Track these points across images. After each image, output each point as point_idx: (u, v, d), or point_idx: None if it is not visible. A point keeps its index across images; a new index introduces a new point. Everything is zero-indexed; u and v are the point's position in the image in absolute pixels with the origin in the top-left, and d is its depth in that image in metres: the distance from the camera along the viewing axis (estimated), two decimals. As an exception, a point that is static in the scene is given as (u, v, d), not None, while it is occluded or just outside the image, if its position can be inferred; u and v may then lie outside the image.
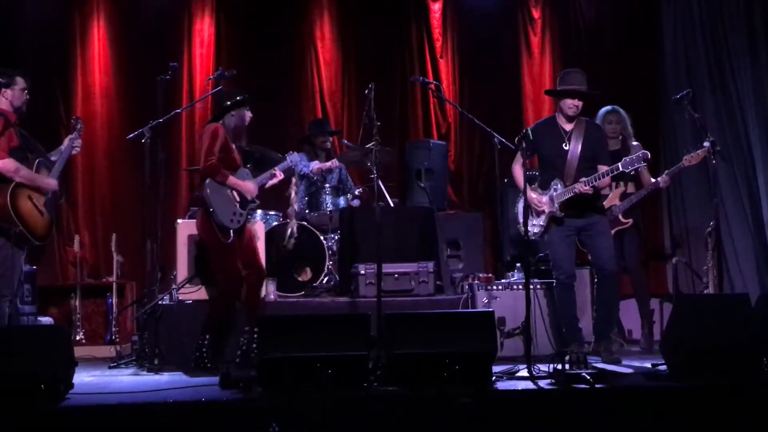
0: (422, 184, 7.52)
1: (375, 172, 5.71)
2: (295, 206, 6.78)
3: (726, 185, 7.58)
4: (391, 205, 7.25)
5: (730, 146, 7.51)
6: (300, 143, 7.69)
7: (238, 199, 5.51)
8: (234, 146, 5.64)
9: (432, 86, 7.21)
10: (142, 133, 5.88)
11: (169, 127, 7.29)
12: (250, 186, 5.59)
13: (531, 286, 5.30)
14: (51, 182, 5.31)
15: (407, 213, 7.24)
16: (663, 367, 4.93)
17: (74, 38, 8.14)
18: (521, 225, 5.60)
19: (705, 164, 6.07)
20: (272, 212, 7.00)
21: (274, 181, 5.91)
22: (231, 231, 5.42)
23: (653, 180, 6.43)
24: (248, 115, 5.67)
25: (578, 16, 8.75)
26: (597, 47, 8.59)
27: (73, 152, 5.56)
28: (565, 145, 5.59)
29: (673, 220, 8.11)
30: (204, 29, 8.34)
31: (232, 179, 5.49)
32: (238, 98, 5.59)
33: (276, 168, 5.92)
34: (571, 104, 5.58)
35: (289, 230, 6.65)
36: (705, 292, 6.43)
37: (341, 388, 4.33)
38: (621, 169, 5.38)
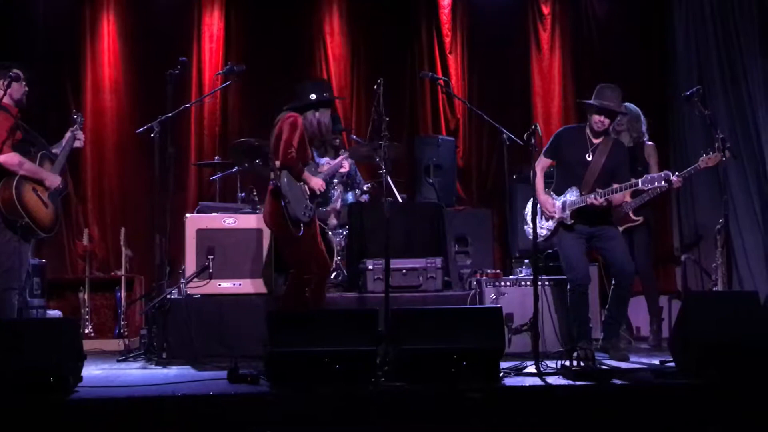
0: (431, 180, 7.52)
1: (384, 167, 5.71)
2: (338, 204, 6.77)
3: (736, 183, 7.56)
4: (400, 200, 7.25)
5: (741, 143, 7.48)
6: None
7: (308, 193, 5.52)
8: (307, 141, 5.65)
9: (441, 82, 7.20)
10: (152, 128, 5.88)
11: (178, 121, 7.30)
12: (319, 182, 5.56)
13: (539, 283, 5.29)
14: (55, 179, 5.31)
15: (416, 209, 7.23)
16: (671, 364, 4.93)
17: (84, 32, 8.17)
18: (529, 225, 5.65)
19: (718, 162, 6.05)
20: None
21: (344, 170, 5.99)
22: (302, 224, 5.42)
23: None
24: (327, 118, 5.55)
25: (588, 12, 8.72)
26: (607, 44, 8.56)
27: (76, 145, 5.55)
28: (589, 156, 5.59)
29: (682, 217, 8.08)
30: (213, 23, 8.35)
31: (306, 174, 5.50)
32: (325, 95, 5.51)
33: (344, 159, 5.97)
34: (598, 120, 5.57)
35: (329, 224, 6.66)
36: (714, 289, 6.42)
37: (349, 384, 4.33)
38: (640, 186, 5.38)
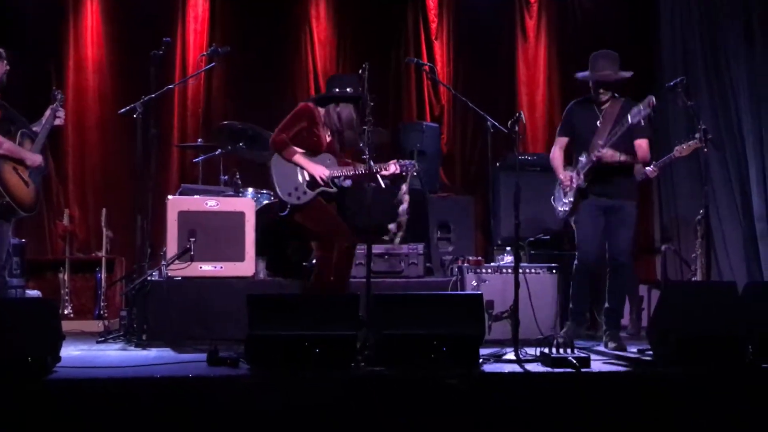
0: (416, 167, 7.50)
1: (367, 152, 5.69)
2: (405, 205, 6.64)
3: (717, 174, 7.62)
4: (383, 186, 7.23)
5: (723, 135, 7.54)
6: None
7: (307, 178, 5.56)
8: (327, 131, 5.64)
9: (426, 68, 7.17)
10: (134, 108, 5.84)
11: (162, 102, 7.26)
12: (320, 169, 5.56)
13: (520, 270, 5.31)
14: (35, 158, 5.26)
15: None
16: (649, 353, 4.96)
17: (67, 11, 8.08)
18: (556, 209, 5.77)
19: (697, 152, 6.07)
20: (263, 191, 6.98)
21: (386, 172, 5.76)
22: (288, 206, 5.52)
23: (642, 170, 6.42)
24: (347, 112, 5.58)
25: (575, 1, 8.72)
26: (593, 33, 8.56)
27: (56, 123, 5.50)
28: (598, 122, 5.55)
29: (663, 207, 8.13)
30: (198, 4, 8.29)
31: (298, 157, 5.55)
32: (348, 90, 5.54)
33: (391, 163, 5.73)
34: (597, 94, 5.56)
35: (397, 240, 6.59)
36: (693, 279, 6.46)
37: (329, 368, 4.34)
38: (630, 121, 5.26)
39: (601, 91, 5.54)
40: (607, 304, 5.60)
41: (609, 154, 5.42)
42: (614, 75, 5.52)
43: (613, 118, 5.49)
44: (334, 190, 5.64)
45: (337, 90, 5.59)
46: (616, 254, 5.51)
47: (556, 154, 5.74)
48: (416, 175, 6.06)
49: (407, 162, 5.81)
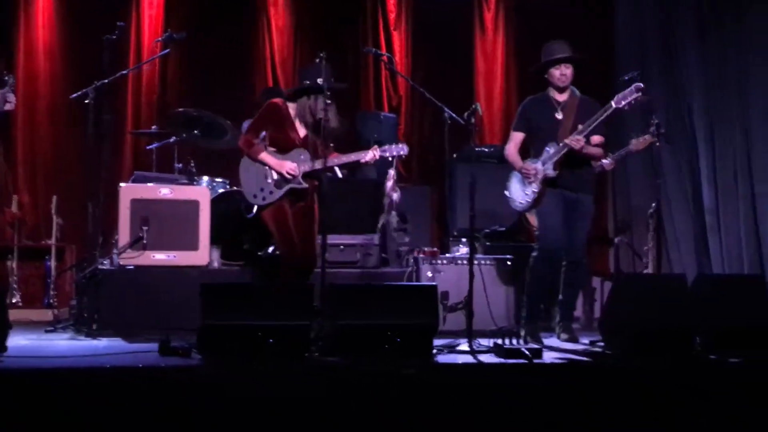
0: (372, 157, 7.49)
1: (323, 142, 5.66)
2: (394, 196, 6.53)
3: (669, 168, 7.72)
4: (339, 176, 7.22)
5: (675, 129, 7.63)
6: (250, 110, 7.59)
7: (274, 177, 5.46)
8: (300, 126, 5.52)
9: (384, 58, 7.18)
10: (86, 94, 5.74)
11: (116, 88, 7.14)
12: (287, 165, 5.42)
13: (475, 262, 5.33)
14: None
15: (355, 185, 7.22)
16: (601, 344, 5.03)
17: (18, -7, 7.92)
18: (514, 201, 5.62)
19: (650, 146, 6.15)
20: (218, 179, 6.92)
21: (366, 158, 5.59)
22: (254, 207, 5.45)
23: (598, 162, 6.48)
24: (320, 106, 5.38)
25: (533, -7, 8.77)
26: (551, 27, 8.57)
27: (6, 107, 5.40)
28: (558, 115, 5.49)
29: (617, 200, 8.21)
30: (154, -11, 8.18)
31: (264, 155, 5.44)
32: (318, 82, 5.33)
33: (378, 148, 5.59)
34: (559, 74, 5.46)
35: (381, 221, 6.51)
36: (645, 272, 6.55)
37: (282, 358, 4.33)
38: (614, 106, 5.24)
39: (563, 69, 5.46)
40: (561, 296, 5.60)
41: (597, 138, 5.41)
42: (571, 54, 5.49)
43: (574, 112, 5.47)
44: (304, 185, 5.51)
45: (308, 82, 5.44)
46: (575, 249, 5.47)
47: (512, 150, 5.64)
48: (391, 159, 5.92)
49: (391, 146, 5.66)
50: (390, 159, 5.83)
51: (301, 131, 5.56)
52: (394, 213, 6.53)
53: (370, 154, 5.55)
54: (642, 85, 5.23)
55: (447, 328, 5.64)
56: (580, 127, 5.37)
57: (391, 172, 6.49)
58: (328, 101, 5.30)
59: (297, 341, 4.43)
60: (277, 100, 5.59)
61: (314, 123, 5.46)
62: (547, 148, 5.47)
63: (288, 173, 5.43)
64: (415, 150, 8.56)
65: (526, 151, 5.76)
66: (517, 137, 5.68)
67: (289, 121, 5.52)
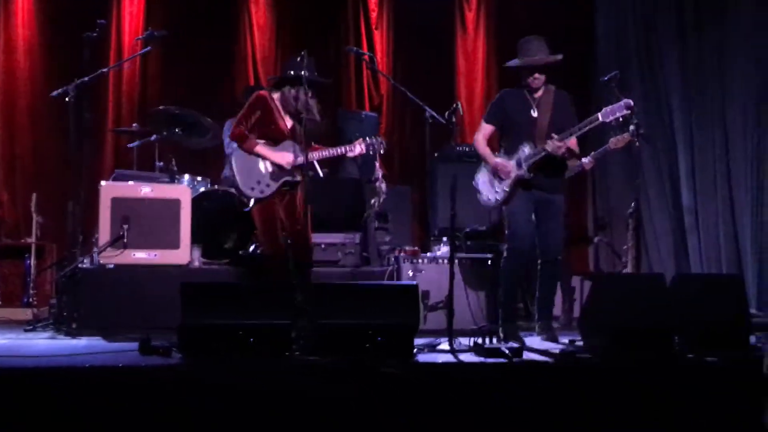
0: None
1: (303, 140, 5.66)
2: (382, 187, 6.42)
3: (649, 168, 7.76)
4: (321, 175, 7.20)
5: (655, 130, 7.67)
6: (232, 109, 7.57)
7: (270, 169, 5.44)
8: (287, 117, 5.51)
9: (366, 57, 7.16)
10: (67, 91, 5.70)
11: (96, 86, 7.08)
12: (280, 157, 5.41)
13: (456, 261, 5.35)
14: None
15: (336, 183, 7.22)
16: (580, 344, 5.05)
17: (-3, -11, 7.86)
18: (481, 195, 5.56)
19: (630, 146, 6.18)
20: (199, 178, 6.90)
21: (350, 155, 5.67)
22: (251, 200, 5.41)
23: (578, 161, 6.51)
24: (301, 95, 5.39)
25: (514, -7, 8.79)
26: (533, 25, 8.60)
27: None
28: (534, 112, 5.44)
29: (597, 200, 8.27)
30: (134, -14, 8.14)
31: (259, 148, 5.43)
32: (304, 73, 5.30)
33: (357, 143, 5.60)
34: (533, 79, 5.43)
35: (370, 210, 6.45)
36: (624, 271, 6.59)
37: (263, 358, 4.32)
38: (600, 119, 5.23)
39: (536, 76, 5.43)
40: (537, 295, 5.61)
41: (573, 143, 5.40)
42: (546, 58, 5.45)
43: (550, 108, 5.46)
44: (297, 179, 5.51)
45: (292, 72, 5.42)
46: (550, 249, 5.46)
47: (482, 142, 5.57)
48: (372, 154, 5.90)
49: (374, 140, 5.68)
50: (371, 153, 5.83)
51: (288, 122, 5.55)
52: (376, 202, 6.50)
53: (359, 147, 5.57)
54: (632, 102, 5.24)
55: (428, 327, 5.66)
56: (554, 132, 5.34)
57: (377, 164, 6.47)
58: (310, 93, 5.32)
59: (278, 341, 4.41)
60: (264, 92, 5.59)
61: (297, 114, 5.47)
62: (523, 148, 5.42)
63: (287, 164, 5.41)
64: (397, 149, 8.57)
65: (492, 143, 5.72)
66: (487, 129, 5.61)
67: (276, 113, 5.51)
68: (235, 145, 5.57)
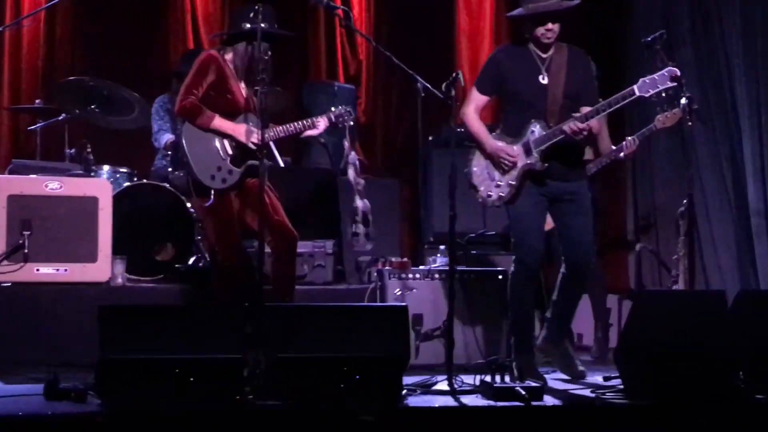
0: (322, 140, 7.48)
1: (261, 120, 5.66)
2: (354, 175, 6.46)
3: (704, 154, 7.79)
4: (281, 164, 7.21)
5: (712, 105, 7.71)
6: (165, 81, 7.57)
7: (230, 152, 5.45)
8: (242, 84, 5.55)
9: (339, 12, 7.16)
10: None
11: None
12: (244, 132, 5.42)
13: (457, 276, 5.35)
14: None
15: (302, 176, 7.25)
16: (617, 381, 5.07)
17: None
18: (478, 190, 5.49)
19: (680, 128, 6.21)
20: (123, 169, 6.88)
21: (314, 132, 5.70)
22: (212, 192, 5.40)
23: (615, 146, 6.55)
24: (258, 56, 5.33)
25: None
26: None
27: None
28: (543, 78, 5.36)
29: (638, 197, 8.31)
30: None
31: (217, 121, 5.44)
32: (263, 26, 5.25)
33: (321, 117, 5.69)
34: (544, 31, 5.32)
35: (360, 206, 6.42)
36: (674, 287, 6.62)
37: (207, 402, 4.30)
38: (637, 93, 5.18)
39: (549, 26, 5.30)
40: (553, 307, 5.51)
41: (596, 125, 5.37)
42: (561, 3, 5.32)
43: (563, 71, 5.37)
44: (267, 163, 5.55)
45: (249, 26, 5.41)
46: (581, 253, 5.38)
47: (474, 117, 5.48)
48: (341, 128, 5.86)
49: (340, 110, 5.71)
50: (340, 126, 5.83)
51: (245, 91, 5.58)
52: (361, 204, 6.48)
53: (323, 122, 5.63)
54: (678, 71, 5.18)
55: (421, 362, 5.68)
56: (572, 103, 5.33)
57: (346, 143, 6.41)
58: (269, 53, 5.35)
59: (226, 380, 4.40)
60: (213, 52, 5.59)
61: (255, 80, 5.41)
62: (532, 128, 5.34)
63: (253, 143, 5.40)
64: (380, 132, 8.60)
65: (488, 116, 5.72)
66: (480, 100, 5.52)
67: (229, 78, 5.52)
68: (184, 124, 5.56)
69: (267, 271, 6.08)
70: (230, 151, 5.48)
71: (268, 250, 5.36)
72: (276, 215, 5.52)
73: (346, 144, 6.38)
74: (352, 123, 5.78)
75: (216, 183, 5.44)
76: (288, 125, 5.63)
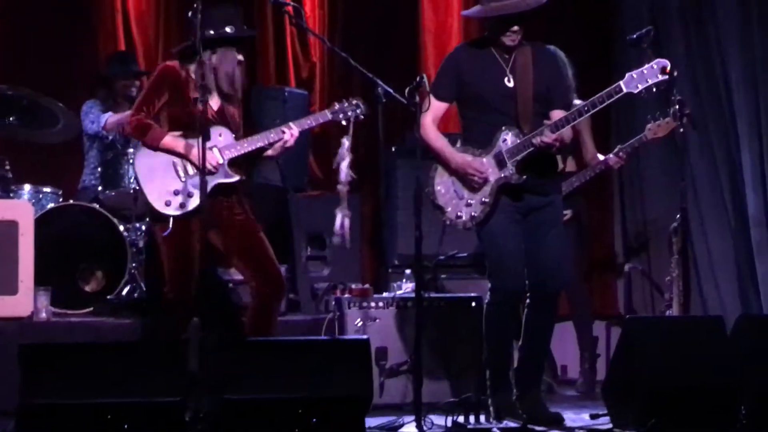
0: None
1: (201, 132, 5.65)
2: (344, 182, 6.33)
3: (699, 164, 7.85)
4: (231, 180, 7.20)
5: (706, 109, 7.77)
6: (92, 87, 7.55)
7: (190, 172, 5.42)
8: (213, 96, 5.55)
9: (289, 9, 7.16)
10: None
11: None
12: (196, 151, 5.30)
13: (425, 303, 5.36)
14: None
15: (250, 194, 7.20)
16: (605, 419, 5.09)
17: None
18: (445, 212, 5.45)
19: (671, 134, 6.26)
20: (47, 189, 6.84)
21: (288, 143, 5.66)
22: (171, 219, 5.38)
23: (602, 156, 6.59)
24: (236, 59, 5.51)
25: None
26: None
27: None
28: (508, 81, 5.36)
29: (627, 212, 8.34)
30: None
31: (168, 140, 5.42)
32: (228, 30, 5.42)
33: (292, 123, 5.68)
34: (509, 33, 5.31)
35: (338, 220, 6.30)
36: (667, 312, 6.66)
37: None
38: (624, 90, 5.18)
39: (515, 29, 5.30)
40: (521, 352, 5.45)
41: (568, 134, 5.36)
42: (526, 2, 5.28)
43: (530, 72, 5.36)
44: (236, 178, 5.54)
45: (213, 33, 5.43)
46: (548, 274, 5.32)
47: (431, 129, 5.45)
48: (357, 119, 5.78)
49: (344, 104, 5.72)
50: (345, 124, 5.83)
51: (215, 102, 5.58)
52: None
53: (291, 134, 5.62)
54: (668, 63, 5.20)
55: (385, 401, 5.72)
56: (540, 107, 5.36)
57: (345, 141, 6.30)
58: (240, 57, 5.46)
59: (165, 425, 4.40)
60: (172, 63, 5.62)
61: (227, 88, 5.53)
62: (504, 137, 5.33)
63: (211, 165, 5.35)
64: (335, 142, 8.56)
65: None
66: (438, 108, 5.50)
67: (190, 90, 5.50)
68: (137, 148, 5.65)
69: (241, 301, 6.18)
70: (189, 171, 5.46)
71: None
72: (262, 252, 5.53)
73: (346, 143, 6.35)
74: (363, 117, 5.75)
75: (172, 209, 5.42)
76: (253, 138, 5.60)
